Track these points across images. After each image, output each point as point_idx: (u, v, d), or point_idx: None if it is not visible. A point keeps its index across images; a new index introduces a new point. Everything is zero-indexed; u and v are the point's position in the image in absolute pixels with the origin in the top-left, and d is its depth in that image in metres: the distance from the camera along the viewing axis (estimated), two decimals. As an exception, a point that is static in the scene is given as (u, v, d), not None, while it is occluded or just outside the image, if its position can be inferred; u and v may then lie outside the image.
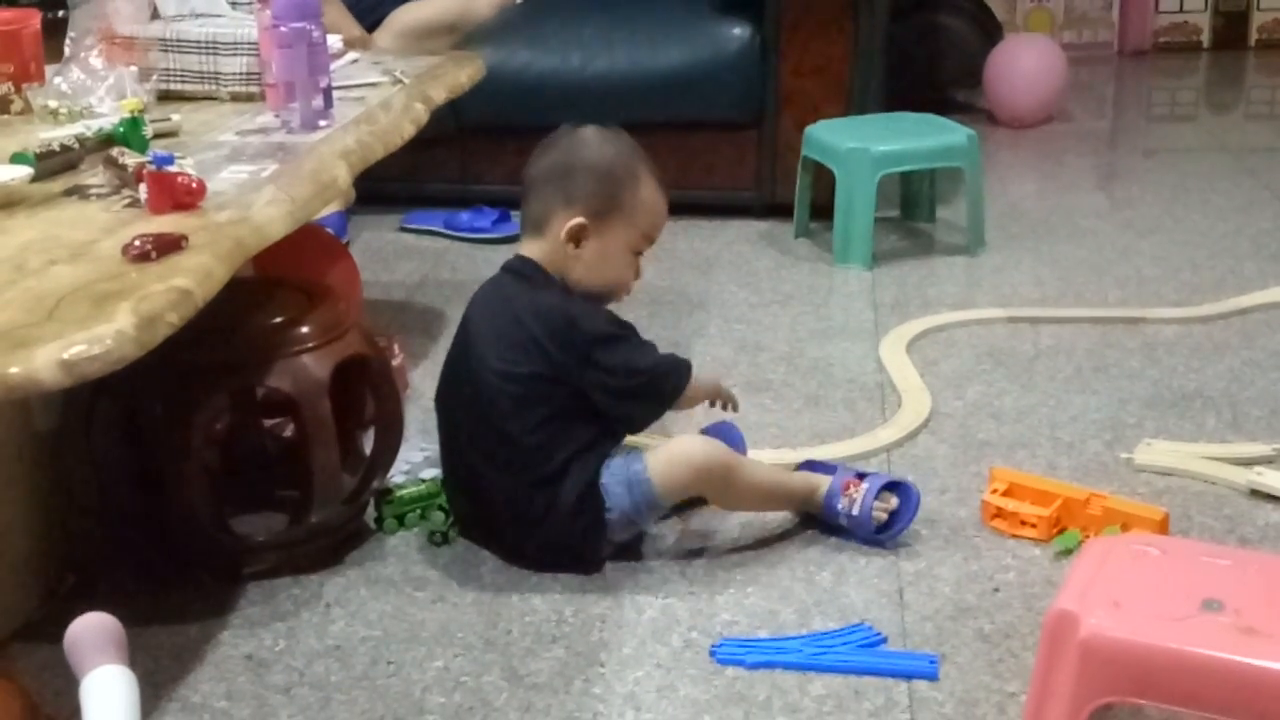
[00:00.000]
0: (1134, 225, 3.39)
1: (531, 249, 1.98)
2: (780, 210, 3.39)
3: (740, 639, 1.76)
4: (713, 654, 1.73)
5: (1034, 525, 1.96)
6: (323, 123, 2.07)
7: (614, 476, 1.90)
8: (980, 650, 1.73)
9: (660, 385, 1.98)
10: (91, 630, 1.42)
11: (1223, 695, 1.31)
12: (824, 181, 3.21)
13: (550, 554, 1.90)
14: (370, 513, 2.03)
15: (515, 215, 3.39)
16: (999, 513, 1.99)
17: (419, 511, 2.03)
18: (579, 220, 1.94)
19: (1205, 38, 5.34)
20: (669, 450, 1.93)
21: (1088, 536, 1.87)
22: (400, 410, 2.03)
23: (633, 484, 1.89)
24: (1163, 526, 1.90)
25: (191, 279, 1.47)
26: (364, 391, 2.04)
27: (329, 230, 3.02)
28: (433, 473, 2.09)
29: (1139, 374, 2.51)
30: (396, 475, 2.10)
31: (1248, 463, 2.13)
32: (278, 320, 1.90)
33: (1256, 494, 2.05)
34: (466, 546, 1.99)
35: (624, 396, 1.93)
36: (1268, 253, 3.12)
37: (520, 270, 1.98)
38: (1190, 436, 2.25)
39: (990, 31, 4.56)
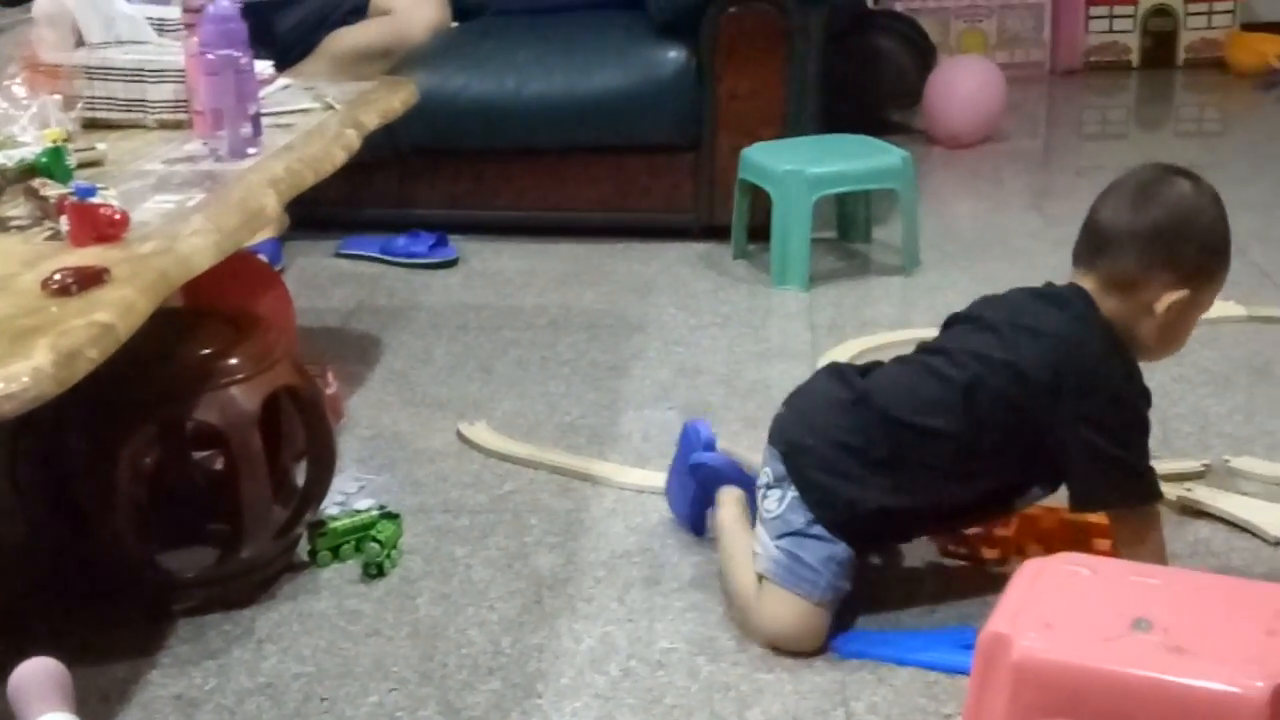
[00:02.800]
0: (1066, 243, 3.33)
1: (1099, 293, 1.80)
2: (718, 232, 3.40)
3: (864, 632, 1.81)
4: (834, 649, 1.77)
5: (994, 546, 1.95)
6: (251, 150, 2.05)
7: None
8: (917, 672, 1.73)
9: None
10: (36, 676, 1.38)
11: (1152, 714, 1.32)
12: (761, 204, 3.22)
13: None
14: (303, 546, 2.01)
15: (453, 240, 3.44)
16: (961, 539, 1.97)
17: (354, 543, 2.01)
18: (1184, 295, 1.76)
19: (1134, 57, 5.41)
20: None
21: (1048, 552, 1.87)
22: (332, 441, 2.01)
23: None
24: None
25: (113, 313, 1.45)
26: (296, 422, 2.02)
27: (262, 257, 2.99)
28: (368, 503, 2.07)
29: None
30: (331, 507, 2.07)
31: (1178, 479, 2.15)
32: (205, 352, 1.88)
33: (1186, 510, 2.07)
34: (402, 579, 1.98)
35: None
36: (1198, 269, 3.15)
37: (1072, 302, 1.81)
38: (1123, 454, 2.27)
39: (924, 53, 4.59)
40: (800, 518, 1.78)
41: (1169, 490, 2.07)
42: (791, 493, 1.79)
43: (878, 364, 1.92)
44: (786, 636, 1.77)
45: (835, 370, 1.92)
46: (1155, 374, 2.54)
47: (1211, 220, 1.78)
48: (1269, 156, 4.18)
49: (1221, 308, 2.85)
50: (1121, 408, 1.76)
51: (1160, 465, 2.19)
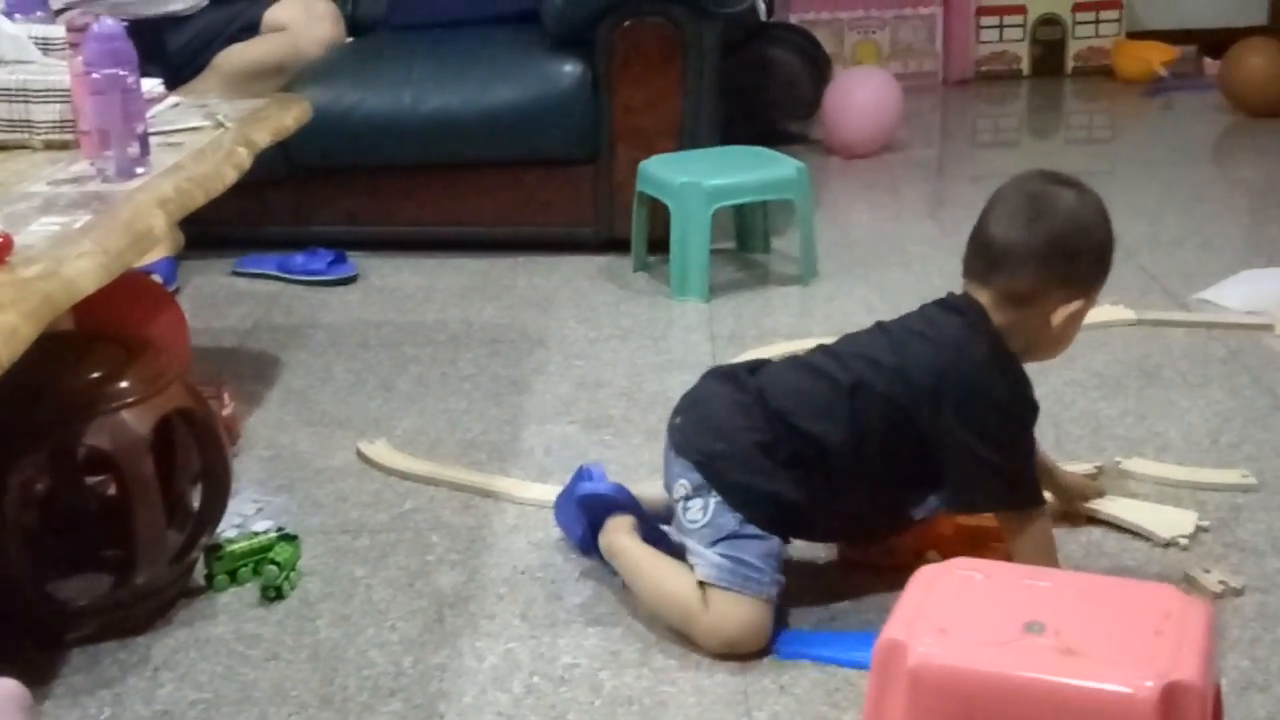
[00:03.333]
0: (960, 251, 3.45)
1: (993, 306, 1.82)
2: (619, 245, 3.41)
3: (800, 632, 1.83)
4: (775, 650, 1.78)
5: (892, 552, 1.97)
6: (139, 170, 2.02)
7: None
8: (818, 680, 1.74)
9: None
10: None
11: (1045, 716, 1.34)
12: (661, 216, 3.23)
13: None
14: (200, 570, 1.98)
15: (352, 256, 3.41)
16: (858, 546, 1.98)
17: (251, 566, 1.99)
18: (1079, 305, 1.80)
19: (1025, 66, 5.51)
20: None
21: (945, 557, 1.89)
22: (227, 463, 1.98)
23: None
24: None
25: (-4, 339, 1.42)
26: (190, 445, 1.99)
27: (156, 278, 2.95)
28: (266, 525, 2.05)
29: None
30: (228, 530, 2.05)
31: (1072, 482, 2.20)
32: (95, 376, 1.84)
33: (1075, 517, 2.10)
34: (301, 601, 1.96)
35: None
36: (1088, 275, 3.21)
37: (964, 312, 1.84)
38: (1017, 458, 2.30)
39: (819, 64, 4.64)
40: (730, 520, 1.79)
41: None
42: (714, 499, 1.80)
43: (764, 362, 1.96)
44: (742, 637, 1.78)
45: (723, 373, 1.95)
46: (1049, 378, 2.61)
47: (1100, 230, 1.82)
48: (1156, 162, 4.28)
49: (1111, 312, 2.92)
50: (1002, 415, 1.79)
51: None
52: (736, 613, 1.78)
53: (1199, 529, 2.05)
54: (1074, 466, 2.25)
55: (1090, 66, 5.48)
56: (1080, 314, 1.82)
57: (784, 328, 2.98)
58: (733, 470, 1.81)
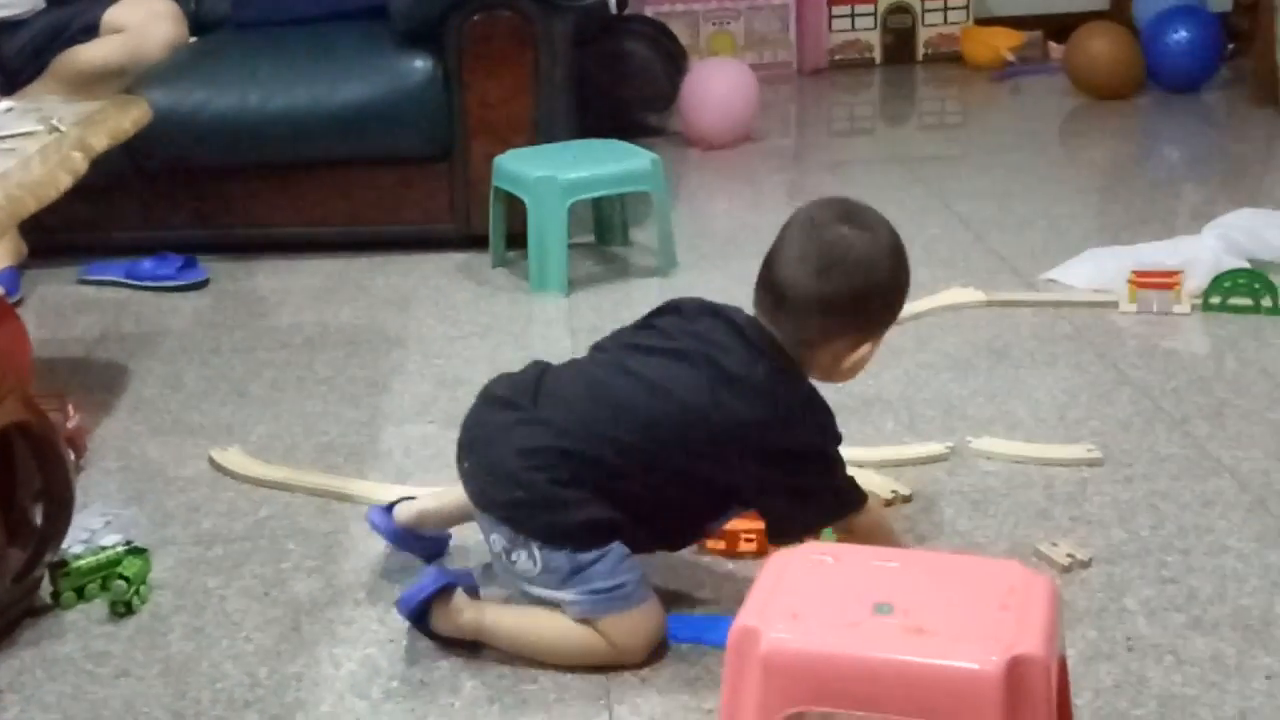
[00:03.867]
0: (817, 238, 3.50)
1: (779, 334, 1.78)
2: (477, 241, 3.39)
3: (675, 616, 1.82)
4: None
5: (751, 539, 1.98)
6: (-32, 179, 1.97)
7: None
8: (678, 670, 1.75)
9: None
10: None
11: (898, 695, 1.36)
12: (518, 211, 3.22)
13: None
14: (46, 588, 1.93)
15: (202, 261, 3.35)
16: (718, 534, 1.98)
17: (99, 582, 1.94)
18: (868, 347, 1.79)
19: (877, 54, 5.59)
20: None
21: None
22: (69, 477, 1.93)
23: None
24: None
25: None
26: (30, 460, 1.93)
27: (-2, 289, 2.87)
28: (114, 539, 2.00)
29: (820, 383, 2.58)
30: (75, 545, 2.00)
31: (925, 461, 2.24)
32: (-75, 392, 1.79)
33: (892, 503, 2.11)
34: (152, 615, 1.91)
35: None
36: (938, 258, 3.27)
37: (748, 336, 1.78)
38: (870, 440, 2.34)
39: (675, 56, 4.65)
40: (562, 559, 1.73)
41: (882, 488, 2.14)
42: (535, 545, 1.74)
43: (544, 369, 1.86)
44: (650, 639, 1.76)
45: (501, 399, 1.83)
46: (901, 361, 2.66)
47: (893, 274, 1.78)
48: (1005, 146, 4.37)
49: (962, 294, 2.98)
50: (820, 453, 1.78)
51: (907, 450, 2.29)
52: (633, 627, 1.75)
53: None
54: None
55: (940, 53, 5.57)
56: (868, 355, 1.81)
57: (643, 319, 2.99)
58: (540, 515, 1.72)
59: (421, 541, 2.00)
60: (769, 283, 1.78)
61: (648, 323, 1.88)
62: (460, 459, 1.84)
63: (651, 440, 1.73)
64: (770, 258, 1.79)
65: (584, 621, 1.75)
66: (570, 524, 1.72)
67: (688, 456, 1.74)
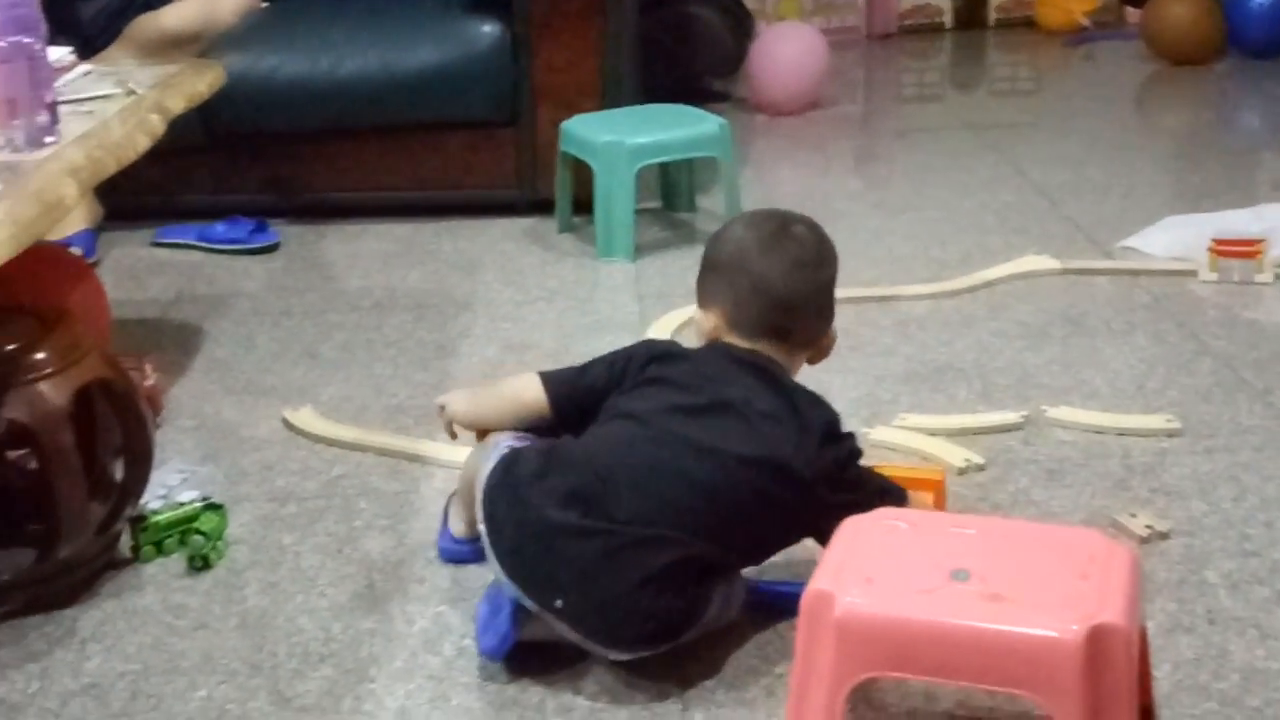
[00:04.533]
0: (886, 205, 3.49)
1: (787, 357, 1.81)
2: (543, 206, 3.39)
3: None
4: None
5: None
6: (49, 139, 1.98)
7: None
8: (748, 632, 1.75)
9: None
10: None
11: (973, 663, 1.35)
12: (584, 176, 3.21)
13: None
14: (126, 541, 1.96)
15: (273, 224, 3.37)
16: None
17: (177, 536, 1.96)
18: (833, 326, 1.87)
19: (947, 19, 5.52)
20: None
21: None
22: (149, 434, 1.95)
23: None
24: (941, 487, 1.95)
25: (-97, 312, 1.39)
26: (111, 416, 1.96)
27: (76, 250, 2.90)
28: (191, 495, 2.03)
29: (893, 350, 2.58)
30: (153, 500, 2.02)
31: (998, 430, 2.22)
32: (10, 348, 1.81)
33: (965, 472, 2.10)
34: (229, 570, 1.94)
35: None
36: (1011, 226, 3.24)
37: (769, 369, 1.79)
38: (943, 409, 2.32)
39: (741, 20, 4.62)
40: None
41: (956, 457, 2.13)
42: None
43: (579, 454, 1.71)
44: None
45: (555, 521, 1.64)
46: (974, 329, 2.64)
47: (835, 264, 1.87)
48: (1079, 112, 4.31)
49: (1036, 262, 2.95)
50: (857, 467, 1.77)
51: (981, 418, 2.27)
52: None
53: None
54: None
55: (1012, 18, 5.50)
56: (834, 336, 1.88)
57: (711, 285, 2.98)
58: (677, 630, 1.65)
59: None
60: (769, 305, 1.79)
61: (660, 377, 1.79)
62: (542, 596, 1.64)
63: (741, 508, 1.68)
64: (757, 286, 1.79)
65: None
66: (700, 614, 1.67)
67: (773, 509, 1.70)
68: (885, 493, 1.76)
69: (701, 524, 1.65)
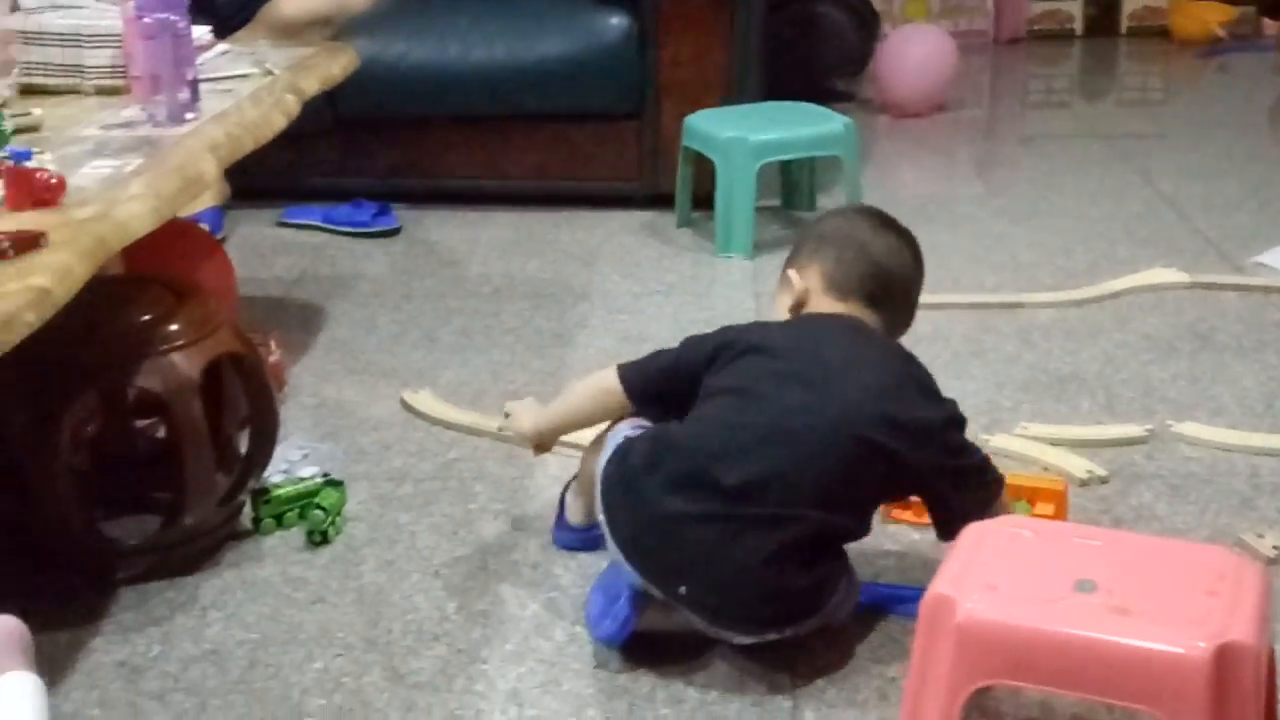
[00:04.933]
0: (1010, 212, 3.44)
1: (865, 318, 1.82)
2: (663, 200, 3.39)
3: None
4: None
5: None
6: (190, 115, 2.02)
7: None
8: (863, 634, 1.74)
9: None
10: None
11: (1095, 675, 1.33)
12: (705, 171, 3.21)
13: None
14: (247, 513, 2.00)
15: (395, 209, 3.41)
16: (900, 503, 1.96)
17: (297, 511, 1.99)
18: None
19: (1078, 26, 5.44)
20: None
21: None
22: (275, 408, 1.99)
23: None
24: (1063, 498, 1.93)
25: (50, 277, 1.42)
26: (238, 390, 2.00)
27: (203, 226, 2.96)
28: (311, 471, 2.06)
29: (1015, 358, 2.55)
30: (275, 474, 2.06)
31: (1122, 443, 2.18)
32: (146, 318, 1.85)
33: (1087, 483, 2.07)
34: (346, 545, 1.96)
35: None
36: (1139, 237, 3.18)
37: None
38: (1066, 419, 2.29)
39: (867, 20, 4.59)
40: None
41: (1077, 467, 2.10)
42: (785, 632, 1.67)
43: (681, 440, 1.69)
44: None
45: (687, 490, 1.64)
46: (1099, 341, 2.60)
47: None
48: (1211, 124, 4.22)
49: (1164, 275, 2.89)
50: (960, 419, 1.74)
51: (1104, 430, 2.23)
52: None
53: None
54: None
55: (1145, 26, 5.41)
56: None
57: (830, 285, 2.96)
58: (801, 609, 1.66)
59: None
60: (880, 277, 1.82)
61: (755, 346, 1.76)
62: (665, 583, 1.65)
63: (849, 466, 1.65)
64: (872, 260, 1.82)
65: None
66: (825, 600, 1.67)
67: (877, 462, 1.66)
68: (987, 468, 1.73)
69: (812, 489, 1.62)
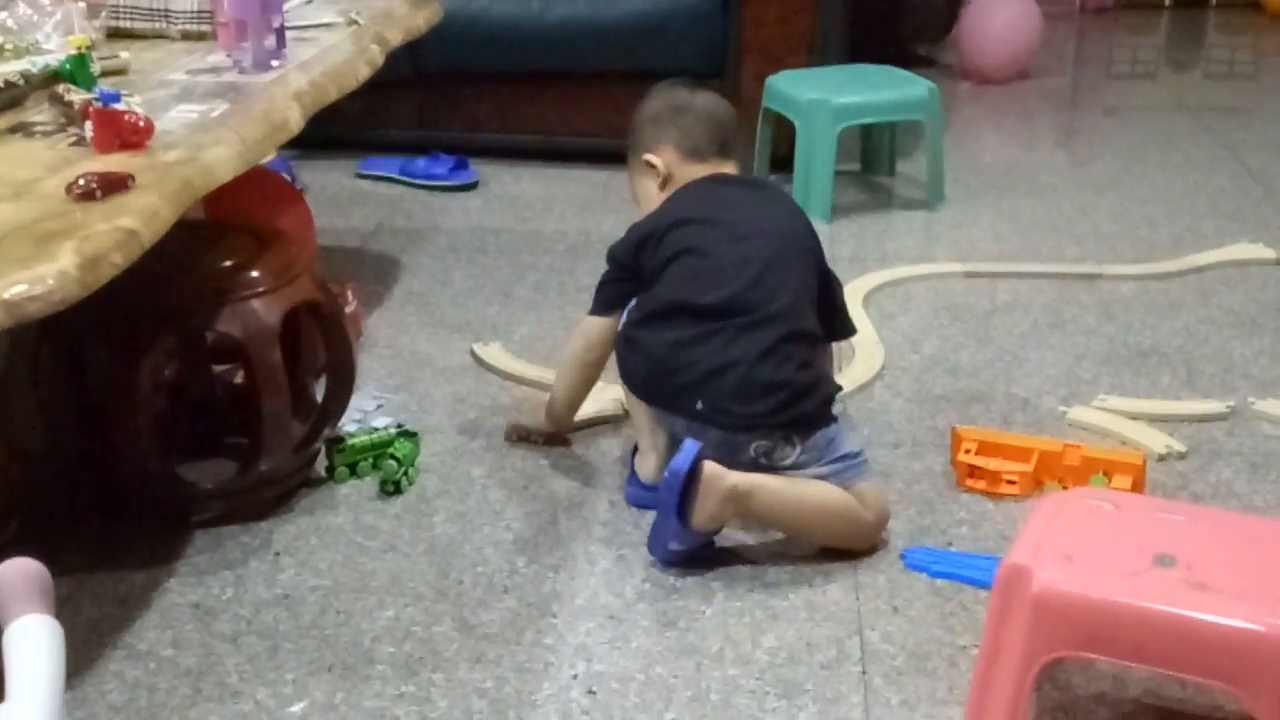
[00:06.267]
0: (1093, 182, 3.39)
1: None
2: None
3: (929, 549, 1.82)
4: (903, 557, 1.81)
5: (1014, 482, 1.94)
6: (275, 63, 2.03)
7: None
8: (933, 603, 1.73)
9: None
10: (15, 577, 1.35)
11: (1173, 650, 1.31)
12: (785, 133, 3.19)
13: None
14: (321, 461, 2.01)
15: (473, 163, 3.42)
16: (974, 472, 1.96)
17: (371, 460, 2.01)
18: None
19: (1167, -4, 5.35)
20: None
21: (1067, 488, 1.86)
22: (352, 358, 2.00)
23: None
24: (1141, 472, 1.91)
25: (137, 219, 1.44)
26: (316, 338, 2.01)
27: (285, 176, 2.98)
28: (385, 421, 2.07)
29: (1095, 330, 2.51)
30: (349, 424, 2.07)
31: (1203, 419, 2.15)
32: (227, 264, 1.87)
33: (1165, 459, 2.04)
34: (419, 496, 1.98)
35: None
36: (1224, 211, 3.12)
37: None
38: (1145, 393, 2.26)
39: (953, -14, 4.53)
40: (820, 438, 1.84)
41: (1155, 441, 2.07)
42: (796, 439, 1.83)
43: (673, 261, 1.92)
44: (887, 513, 1.86)
45: (686, 314, 1.87)
46: (1180, 315, 2.56)
47: None
48: (1301, 100, 4.14)
49: (1249, 250, 2.84)
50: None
51: (1184, 406, 2.20)
52: (878, 493, 1.86)
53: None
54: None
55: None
56: None
57: (907, 252, 2.94)
58: (805, 405, 1.83)
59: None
60: (715, 126, 2.04)
61: (681, 219, 1.96)
62: (680, 399, 1.85)
63: (800, 268, 1.92)
64: (706, 114, 2.04)
65: (846, 488, 1.83)
66: (822, 395, 1.86)
67: (817, 266, 1.96)
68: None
69: (781, 297, 1.86)
